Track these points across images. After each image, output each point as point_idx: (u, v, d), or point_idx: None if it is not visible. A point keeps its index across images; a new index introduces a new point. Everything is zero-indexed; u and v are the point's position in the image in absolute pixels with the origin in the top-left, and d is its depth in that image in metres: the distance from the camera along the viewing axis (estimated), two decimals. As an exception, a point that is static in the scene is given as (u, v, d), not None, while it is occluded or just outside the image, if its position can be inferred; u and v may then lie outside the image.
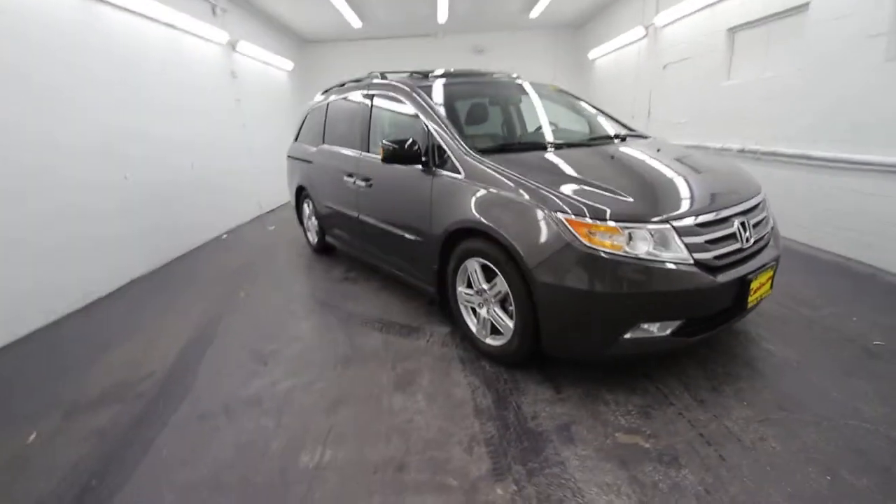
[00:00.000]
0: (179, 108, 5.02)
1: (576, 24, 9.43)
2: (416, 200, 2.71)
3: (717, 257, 1.95)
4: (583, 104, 3.48)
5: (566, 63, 9.86)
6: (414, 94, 2.90)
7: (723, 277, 1.92)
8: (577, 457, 1.73)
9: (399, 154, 2.63)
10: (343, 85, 4.13)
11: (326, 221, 4.17)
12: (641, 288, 1.84)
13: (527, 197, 2.06)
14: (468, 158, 2.41)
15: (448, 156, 2.51)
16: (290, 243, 5.28)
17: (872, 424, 1.82)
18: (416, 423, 1.97)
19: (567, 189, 2.04)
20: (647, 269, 1.84)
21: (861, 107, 3.50)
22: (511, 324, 2.21)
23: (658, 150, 2.66)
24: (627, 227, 1.87)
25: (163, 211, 4.63)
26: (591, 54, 8.92)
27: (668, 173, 2.30)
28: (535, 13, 8.07)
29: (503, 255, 2.14)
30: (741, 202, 2.15)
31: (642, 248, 1.86)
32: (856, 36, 3.48)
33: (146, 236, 4.39)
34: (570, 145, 2.71)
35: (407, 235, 2.86)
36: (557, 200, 1.97)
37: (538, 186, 2.07)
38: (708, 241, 1.95)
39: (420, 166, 2.69)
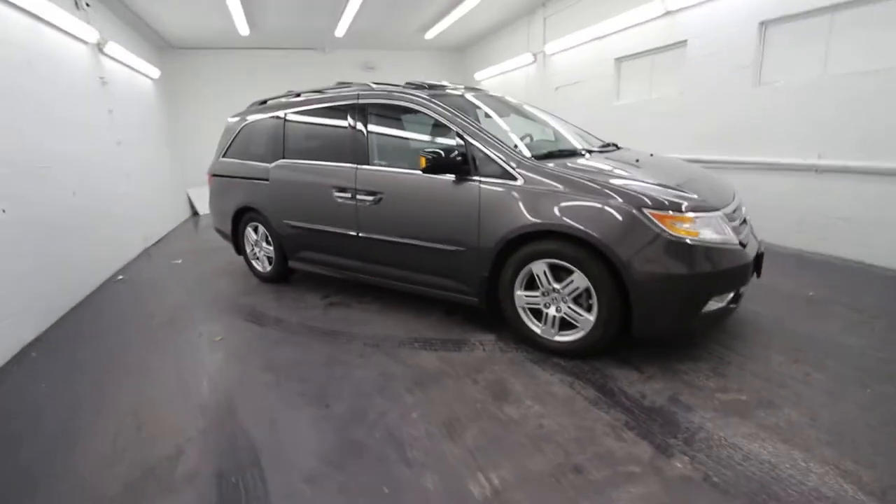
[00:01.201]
0: (52, 119, 3.92)
1: (461, 47, 10.11)
2: (457, 210, 2.67)
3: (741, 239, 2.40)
4: (544, 115, 3.81)
5: (454, 83, 10.46)
6: (436, 105, 2.85)
7: (751, 253, 2.38)
8: (706, 420, 1.94)
9: (443, 164, 2.58)
10: (298, 96, 3.79)
11: (292, 244, 3.72)
12: (717, 267, 2.17)
13: (606, 196, 2.24)
14: (527, 165, 2.49)
15: (498, 164, 2.55)
16: (218, 276, 4.54)
17: (863, 351, 2.45)
18: (550, 427, 1.95)
19: (637, 186, 2.28)
20: (719, 251, 2.18)
21: (734, 121, 4.60)
22: (591, 316, 2.34)
23: (651, 155, 3.12)
24: (698, 217, 2.19)
25: (47, 250, 3.54)
26: (478, 76, 9.67)
27: (688, 174, 2.73)
28: (430, 34, 8.43)
29: (583, 253, 2.27)
30: (736, 197, 2.68)
31: (708, 234, 2.20)
32: (727, 67, 4.57)
33: (32, 285, 3.31)
34: (590, 152, 2.98)
35: (443, 247, 2.78)
36: (641, 196, 2.19)
37: (615, 186, 2.27)
38: (735, 227, 2.39)
39: (453, 176, 2.67)
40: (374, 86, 3.23)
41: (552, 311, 2.48)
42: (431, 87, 3.21)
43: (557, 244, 2.35)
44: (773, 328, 2.75)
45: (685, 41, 5.00)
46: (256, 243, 4.12)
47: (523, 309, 2.59)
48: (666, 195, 2.22)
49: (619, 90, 6.17)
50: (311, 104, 3.56)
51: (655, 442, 1.83)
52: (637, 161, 2.82)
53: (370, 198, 3.06)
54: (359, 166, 3.15)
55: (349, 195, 3.16)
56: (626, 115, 5.97)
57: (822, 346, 2.51)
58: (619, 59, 6.03)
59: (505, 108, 3.47)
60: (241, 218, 4.13)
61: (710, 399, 2.09)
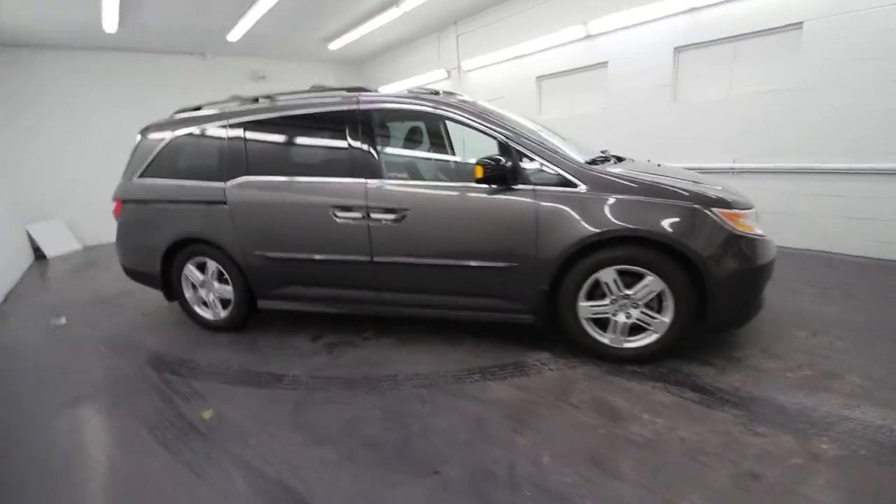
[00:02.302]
0: None
1: (362, 59, 9.76)
2: (508, 223, 2.47)
3: None
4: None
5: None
6: (468, 111, 2.61)
7: None
8: (803, 399, 2.06)
9: (499, 173, 2.36)
10: (256, 101, 3.16)
11: (268, 279, 3.05)
12: (767, 258, 2.36)
13: (677, 197, 2.28)
14: (585, 172, 2.41)
15: (554, 171, 2.42)
16: (142, 331, 3.52)
17: (850, 316, 2.91)
18: (690, 439, 1.86)
19: (693, 188, 2.36)
20: (766, 244, 2.37)
21: (656, 133, 5.22)
22: (666, 318, 2.34)
23: (659, 165, 3.28)
24: (749, 214, 2.36)
25: None
26: (383, 90, 9.40)
27: (699, 178, 2.93)
28: (336, 45, 7.94)
29: (656, 255, 2.27)
30: None
31: (758, 229, 2.38)
32: (649, 86, 5.18)
33: None
34: (606, 160, 3.00)
35: (491, 265, 2.53)
36: (708, 196, 2.28)
37: (681, 187, 2.32)
38: None
39: (492, 186, 2.47)
40: (380, 91, 2.85)
41: (621, 318, 2.42)
42: (434, 93, 2.95)
43: (630, 249, 2.31)
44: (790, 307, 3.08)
45: (606, 62, 5.54)
46: (203, 284, 3.27)
47: (587, 320, 2.48)
48: (724, 195, 2.35)
49: (542, 106, 6.57)
50: (284, 111, 2.97)
51: (789, 430, 1.87)
52: (659, 166, 2.95)
53: (389, 216, 2.65)
54: (369, 181, 2.72)
55: (359, 214, 2.70)
56: (549, 128, 6.35)
57: (814, 318, 2.91)
58: (540, 77, 6.43)
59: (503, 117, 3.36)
60: (178, 253, 3.25)
61: (783, 379, 2.24)
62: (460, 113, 2.64)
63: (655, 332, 2.40)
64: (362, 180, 2.73)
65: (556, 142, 2.73)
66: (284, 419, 2.22)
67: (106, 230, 4.39)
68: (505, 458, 1.83)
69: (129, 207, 3.39)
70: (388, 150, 2.77)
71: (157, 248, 3.26)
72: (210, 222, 3.08)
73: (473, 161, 2.53)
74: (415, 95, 2.78)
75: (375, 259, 2.74)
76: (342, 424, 2.14)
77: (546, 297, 2.50)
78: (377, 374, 2.58)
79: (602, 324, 2.48)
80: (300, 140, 3.02)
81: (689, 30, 4.74)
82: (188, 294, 3.36)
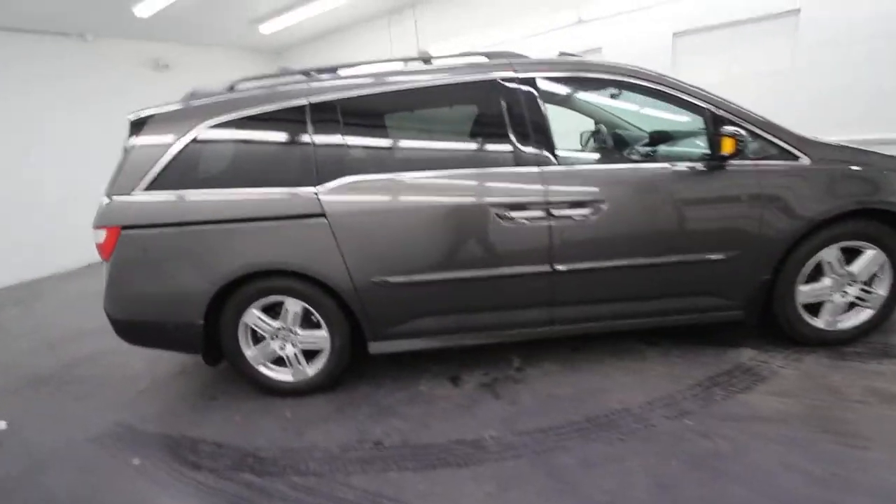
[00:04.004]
0: None
1: (285, 48, 8.46)
2: (727, 206, 2.14)
3: None
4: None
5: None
6: (666, 80, 2.20)
7: None
8: None
9: (741, 148, 2.00)
10: (334, 71, 2.33)
11: (394, 312, 2.26)
12: None
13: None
14: (814, 142, 2.18)
15: (774, 142, 2.14)
16: (171, 417, 2.43)
17: None
18: None
19: None
20: None
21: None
22: (883, 291, 2.23)
23: None
24: None
25: None
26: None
27: None
28: (269, 28, 6.68)
29: (881, 228, 2.15)
30: None
31: None
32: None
33: None
34: None
35: (707, 257, 2.16)
36: None
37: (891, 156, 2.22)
38: None
39: (705, 165, 2.12)
40: (537, 56, 2.26)
41: (837, 298, 2.25)
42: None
43: (857, 224, 2.14)
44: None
45: (600, 48, 5.51)
46: (278, 333, 2.31)
47: (803, 306, 2.27)
48: None
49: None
50: (400, 83, 2.21)
51: None
52: None
53: (579, 211, 2.11)
54: (545, 168, 2.13)
55: (537, 213, 2.10)
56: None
57: None
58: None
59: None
60: (232, 295, 2.24)
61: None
62: (649, 80, 2.21)
63: (870, 308, 2.28)
64: (535, 169, 2.13)
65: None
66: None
67: None
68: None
69: (135, 236, 2.23)
70: (557, 126, 2.20)
71: (199, 292, 2.20)
72: (296, 245, 2.17)
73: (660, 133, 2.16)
74: (581, 62, 2.27)
75: (557, 267, 2.16)
76: (646, 492, 1.58)
77: (765, 288, 2.22)
78: (597, 411, 2.03)
79: (812, 308, 2.29)
80: (430, 121, 2.28)
81: (688, 16, 4.91)
82: (249, 353, 2.34)
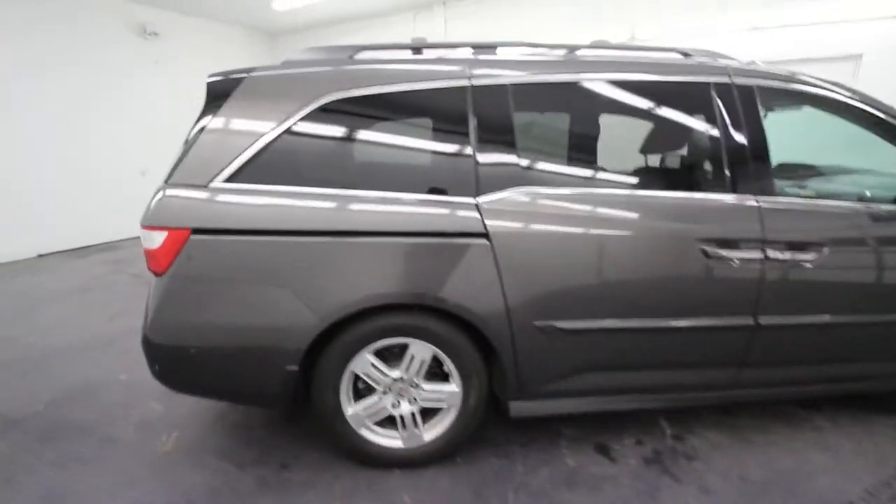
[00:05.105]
0: None
1: (284, 32, 7.69)
2: None
3: None
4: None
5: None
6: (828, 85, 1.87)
7: None
8: None
9: None
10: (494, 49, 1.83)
11: (556, 364, 1.75)
12: None
13: None
14: None
15: None
16: (221, 496, 1.74)
17: None
18: None
19: None
20: None
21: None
22: None
23: None
24: None
25: None
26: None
27: None
28: (283, 6, 5.96)
29: None
30: None
31: None
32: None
33: None
34: None
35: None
36: None
37: None
38: None
39: None
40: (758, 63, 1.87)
41: None
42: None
43: None
44: None
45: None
46: (394, 386, 1.73)
47: None
48: None
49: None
50: (587, 71, 1.73)
51: None
52: None
53: (799, 255, 1.72)
54: (761, 199, 1.72)
55: (752, 254, 1.69)
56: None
57: None
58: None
59: None
60: (342, 334, 1.64)
61: None
62: (872, 106, 1.88)
63: None
64: (751, 199, 1.72)
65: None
66: None
67: None
68: None
69: (211, 244, 1.58)
70: (772, 147, 1.80)
71: (300, 328, 1.59)
72: (443, 272, 1.61)
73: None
74: (798, 74, 1.89)
75: (760, 321, 1.75)
76: None
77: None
78: (816, 502, 1.63)
79: None
80: (621, 128, 1.81)
81: (750, 48, 4.80)
82: (351, 410, 1.74)
